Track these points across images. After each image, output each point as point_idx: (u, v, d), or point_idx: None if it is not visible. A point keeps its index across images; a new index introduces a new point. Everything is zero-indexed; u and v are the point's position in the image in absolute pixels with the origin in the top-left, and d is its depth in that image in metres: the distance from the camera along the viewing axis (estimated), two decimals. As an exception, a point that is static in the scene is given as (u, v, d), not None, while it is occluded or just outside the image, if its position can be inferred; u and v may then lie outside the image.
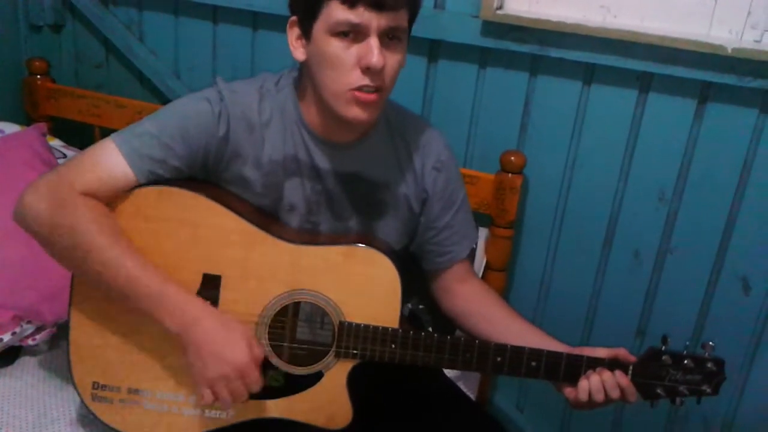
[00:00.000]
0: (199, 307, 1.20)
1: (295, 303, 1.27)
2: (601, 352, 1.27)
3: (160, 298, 1.17)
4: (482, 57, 1.77)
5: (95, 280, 1.20)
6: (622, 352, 1.27)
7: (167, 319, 1.18)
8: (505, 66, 1.76)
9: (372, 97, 1.18)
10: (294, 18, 1.22)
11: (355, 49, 1.15)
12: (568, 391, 1.29)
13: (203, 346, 1.17)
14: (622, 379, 1.25)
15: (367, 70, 1.15)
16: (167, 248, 1.22)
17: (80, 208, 1.17)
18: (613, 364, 1.26)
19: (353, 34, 1.14)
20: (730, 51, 1.52)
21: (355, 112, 1.19)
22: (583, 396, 1.26)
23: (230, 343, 1.18)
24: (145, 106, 2.01)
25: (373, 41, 1.14)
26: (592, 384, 1.25)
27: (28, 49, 2.22)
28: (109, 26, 2.11)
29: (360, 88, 1.16)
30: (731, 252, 1.70)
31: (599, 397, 1.25)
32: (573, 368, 1.26)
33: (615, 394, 1.25)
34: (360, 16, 1.12)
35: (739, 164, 1.64)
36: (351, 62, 1.15)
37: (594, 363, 1.26)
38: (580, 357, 1.26)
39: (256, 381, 1.20)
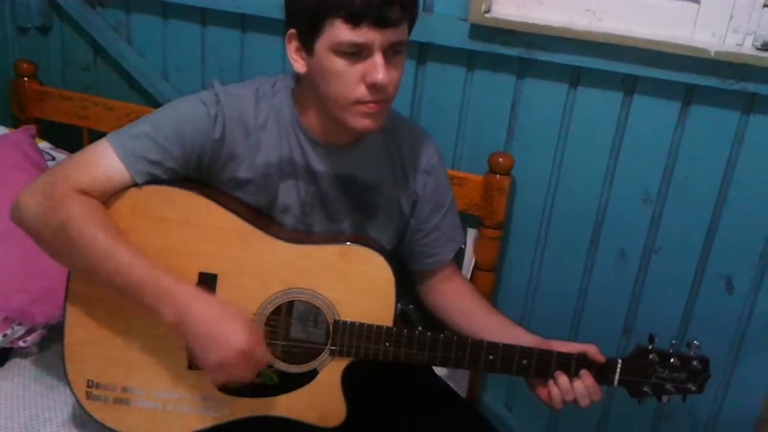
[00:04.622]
0: (194, 295, 1.19)
1: (290, 302, 1.28)
2: (572, 347, 1.29)
3: (154, 287, 1.17)
4: (470, 60, 1.79)
5: (90, 273, 1.20)
6: (591, 350, 1.29)
7: (163, 308, 1.17)
8: (492, 69, 1.78)
9: (377, 106, 1.19)
10: (293, 31, 1.21)
11: (359, 66, 1.16)
12: (541, 393, 1.31)
13: (201, 335, 1.16)
14: (587, 381, 1.28)
15: (372, 86, 1.16)
16: (164, 247, 1.23)
17: (73, 203, 1.17)
18: (583, 360, 1.28)
19: (357, 52, 1.15)
20: (713, 54, 1.55)
21: (364, 123, 1.20)
22: (556, 404, 1.29)
23: (228, 329, 1.16)
24: (134, 108, 2.01)
25: (378, 59, 1.15)
26: (562, 387, 1.28)
27: (16, 51, 2.20)
28: (96, 28, 2.11)
29: (366, 103, 1.18)
30: (715, 252, 1.74)
31: (569, 398, 1.28)
32: (562, 366, 1.28)
33: (585, 401, 1.28)
34: (364, 35, 1.13)
35: (722, 165, 1.68)
36: (356, 78, 1.16)
37: (582, 362, 1.28)
38: (569, 355, 1.28)
39: (260, 360, 1.20)
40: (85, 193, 1.19)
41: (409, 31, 1.22)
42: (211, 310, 1.17)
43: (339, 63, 1.16)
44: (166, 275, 1.18)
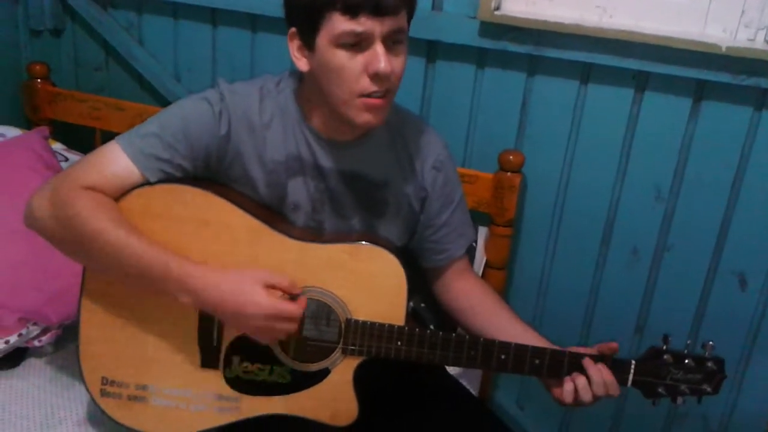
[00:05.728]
0: (205, 272, 1.20)
1: (302, 300, 1.28)
2: (585, 350, 1.29)
3: (168, 273, 1.18)
4: (480, 57, 1.79)
5: (105, 267, 1.22)
6: (605, 348, 1.28)
7: (181, 293, 1.19)
8: (502, 66, 1.78)
9: (381, 101, 1.20)
10: (293, 30, 1.22)
11: (361, 57, 1.16)
12: (555, 391, 1.31)
13: (225, 308, 1.19)
14: (605, 372, 1.27)
15: (375, 77, 1.16)
16: (175, 245, 1.23)
17: (83, 198, 1.19)
18: (598, 358, 1.28)
19: (358, 43, 1.15)
20: (724, 50, 1.54)
21: (366, 118, 1.21)
22: (568, 398, 1.27)
23: (246, 295, 1.18)
24: (146, 108, 2.02)
25: (379, 48, 1.15)
26: (578, 384, 1.26)
27: (28, 53, 2.22)
28: (108, 29, 2.12)
29: (370, 95, 1.18)
30: (728, 248, 1.73)
31: (586, 397, 1.26)
32: (574, 366, 1.28)
33: (600, 390, 1.26)
34: (363, 24, 1.13)
35: (734, 161, 1.66)
36: (358, 70, 1.17)
37: (597, 359, 1.27)
38: (582, 355, 1.28)
39: (293, 311, 1.20)
40: (93, 190, 1.21)
41: (409, 20, 1.22)
42: (226, 285, 1.19)
43: (340, 55, 1.16)
44: (180, 260, 1.20)
